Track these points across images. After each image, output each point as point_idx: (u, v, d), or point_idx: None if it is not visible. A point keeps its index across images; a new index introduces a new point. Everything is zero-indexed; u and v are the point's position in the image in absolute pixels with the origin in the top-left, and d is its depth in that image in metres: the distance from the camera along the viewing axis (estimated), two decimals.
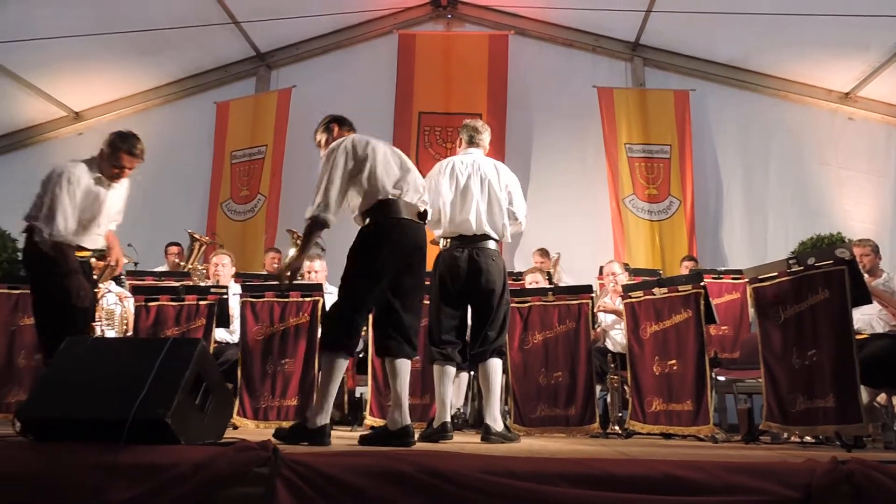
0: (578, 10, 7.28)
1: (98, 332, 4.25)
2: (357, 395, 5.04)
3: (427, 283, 3.52)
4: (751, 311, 5.13)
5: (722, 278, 5.34)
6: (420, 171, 8.09)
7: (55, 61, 6.93)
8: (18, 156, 8.10)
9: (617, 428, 3.96)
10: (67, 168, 3.22)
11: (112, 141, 3.28)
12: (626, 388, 4.19)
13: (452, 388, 3.34)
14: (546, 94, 7.89)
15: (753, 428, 3.66)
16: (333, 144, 2.96)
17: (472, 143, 3.48)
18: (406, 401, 2.89)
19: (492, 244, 3.29)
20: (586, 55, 8.06)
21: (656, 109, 7.60)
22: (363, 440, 2.85)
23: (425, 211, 2.97)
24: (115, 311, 4.45)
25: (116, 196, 3.43)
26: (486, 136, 3.51)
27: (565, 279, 5.65)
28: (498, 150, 7.34)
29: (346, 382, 4.58)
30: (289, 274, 2.96)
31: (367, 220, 2.87)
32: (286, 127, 7.57)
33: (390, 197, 2.84)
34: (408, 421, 2.83)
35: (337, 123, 3.15)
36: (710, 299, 3.75)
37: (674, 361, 3.70)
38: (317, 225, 2.80)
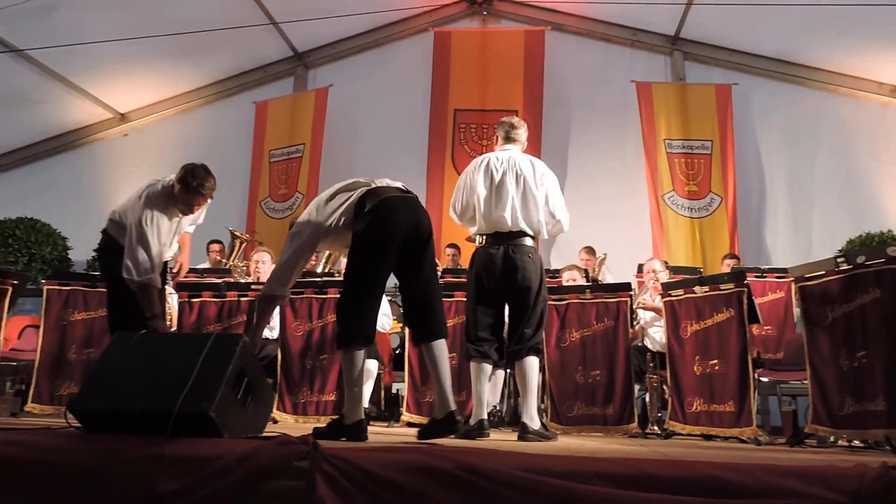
0: (617, 3, 7.18)
1: None
2: (394, 391, 5.09)
3: (464, 280, 3.53)
4: (796, 310, 5.00)
5: (765, 277, 5.20)
6: (456, 169, 8.08)
7: (102, 64, 7.15)
8: (67, 157, 8.38)
9: (656, 428, 3.90)
10: (147, 213, 3.17)
11: (183, 178, 3.18)
12: (664, 387, 4.13)
13: (489, 386, 3.34)
14: (583, 89, 7.82)
15: (798, 431, 3.57)
16: None
17: (508, 139, 3.46)
18: (449, 385, 2.80)
19: (528, 241, 3.25)
20: (624, 50, 7.95)
21: (697, 104, 7.45)
22: (422, 434, 2.78)
23: (407, 189, 2.90)
24: None
25: (185, 220, 3.43)
26: (522, 132, 3.49)
27: (609, 279, 5.58)
28: (534, 147, 7.28)
29: (382, 378, 4.62)
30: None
31: (356, 220, 2.79)
32: (323, 125, 7.66)
33: (362, 188, 2.81)
34: (453, 406, 2.75)
35: None
36: (754, 298, 3.67)
37: (715, 361, 3.63)
38: (265, 301, 2.91)
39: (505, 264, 3.18)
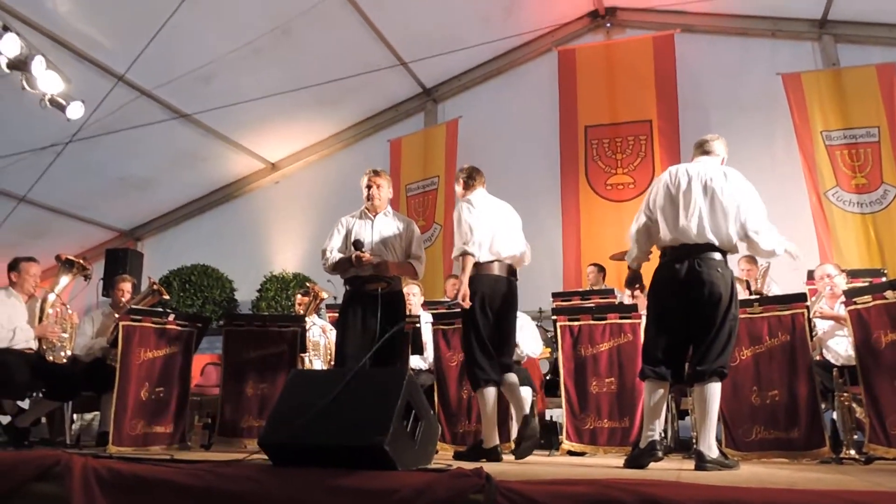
0: None
1: (307, 363, 4.63)
2: (547, 417, 4.97)
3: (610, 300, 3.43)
4: None
5: None
6: (591, 186, 7.82)
7: (254, 120, 7.82)
8: (229, 207, 9.22)
9: (853, 452, 3.47)
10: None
11: None
12: (855, 406, 3.68)
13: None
14: (721, 89, 7.37)
15: None
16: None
17: (703, 151, 3.28)
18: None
19: (717, 255, 3.00)
20: (764, 42, 7.44)
21: (856, 89, 6.75)
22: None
23: (511, 266, 3.65)
24: (319, 342, 4.81)
25: (385, 226, 3.84)
26: (716, 144, 3.28)
27: (774, 290, 5.12)
28: (673, 155, 6.94)
29: (535, 406, 4.53)
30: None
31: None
32: (455, 156, 7.81)
33: (480, 259, 3.55)
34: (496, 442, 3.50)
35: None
36: None
37: None
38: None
39: (690, 279, 2.96)
